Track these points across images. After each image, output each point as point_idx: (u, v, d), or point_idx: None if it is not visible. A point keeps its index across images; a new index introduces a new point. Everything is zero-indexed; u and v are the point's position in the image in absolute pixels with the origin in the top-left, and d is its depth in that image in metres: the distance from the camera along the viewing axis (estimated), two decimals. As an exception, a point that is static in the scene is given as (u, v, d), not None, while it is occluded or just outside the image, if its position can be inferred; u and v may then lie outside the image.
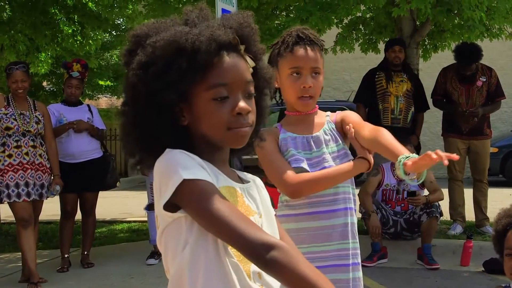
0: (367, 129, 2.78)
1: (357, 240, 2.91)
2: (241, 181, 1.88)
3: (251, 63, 1.78)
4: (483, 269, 6.86)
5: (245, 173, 1.94)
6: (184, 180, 1.60)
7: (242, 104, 1.71)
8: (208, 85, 1.69)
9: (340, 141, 2.89)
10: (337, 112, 3.01)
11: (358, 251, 2.91)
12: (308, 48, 2.81)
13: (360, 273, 2.91)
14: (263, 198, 1.90)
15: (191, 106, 1.72)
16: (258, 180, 1.96)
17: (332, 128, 2.91)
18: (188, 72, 1.66)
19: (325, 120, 2.93)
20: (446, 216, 8.38)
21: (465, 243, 7.15)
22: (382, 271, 6.94)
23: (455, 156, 2.04)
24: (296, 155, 2.81)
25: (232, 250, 1.67)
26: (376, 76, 8.36)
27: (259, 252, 1.56)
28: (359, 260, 2.92)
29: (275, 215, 1.93)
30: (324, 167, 2.79)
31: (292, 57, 2.81)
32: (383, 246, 7.33)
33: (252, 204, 1.81)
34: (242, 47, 1.76)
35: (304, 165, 2.80)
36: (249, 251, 1.58)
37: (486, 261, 6.88)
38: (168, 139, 1.72)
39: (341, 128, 2.92)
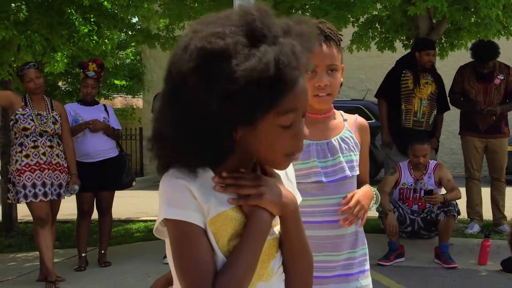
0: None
1: (366, 246, 2.86)
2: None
3: None
4: (501, 268, 6.83)
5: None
6: (164, 218, 1.65)
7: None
8: (280, 111, 1.59)
9: (355, 153, 2.79)
10: (356, 116, 2.90)
11: (367, 257, 2.85)
12: (324, 44, 2.67)
13: (367, 281, 2.84)
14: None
15: (253, 127, 1.61)
16: (289, 171, 1.92)
17: (351, 136, 2.81)
18: (266, 100, 1.56)
19: (343, 125, 2.83)
20: (464, 215, 8.36)
21: (482, 242, 7.12)
22: (399, 270, 6.92)
23: None
24: (314, 167, 2.72)
25: None
26: (403, 75, 8.28)
27: None
28: (367, 267, 2.86)
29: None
30: (344, 177, 2.73)
31: None
32: (400, 245, 7.30)
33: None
34: None
35: (323, 178, 2.73)
36: None
37: (504, 260, 6.84)
38: (214, 148, 1.63)
39: (358, 136, 2.84)
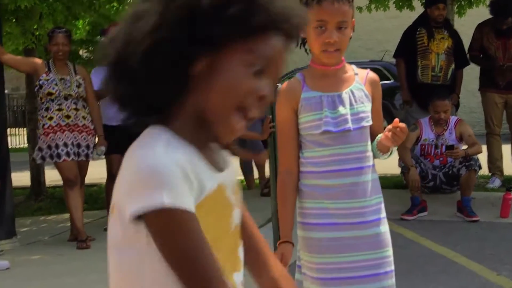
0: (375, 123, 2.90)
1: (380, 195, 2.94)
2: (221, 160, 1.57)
3: None
4: (523, 219, 6.93)
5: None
6: (164, 208, 1.30)
7: (269, 92, 1.44)
8: (250, 49, 1.40)
9: (367, 104, 2.86)
10: (367, 71, 2.97)
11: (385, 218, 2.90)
12: (335, 1, 2.72)
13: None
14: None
15: (215, 57, 1.40)
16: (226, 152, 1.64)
17: (361, 89, 2.87)
18: (236, 24, 1.36)
19: (353, 78, 2.89)
20: (485, 170, 8.41)
21: (504, 195, 7.19)
22: (422, 224, 7.02)
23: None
24: (325, 117, 2.79)
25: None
26: (417, 33, 8.31)
27: None
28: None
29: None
30: (344, 129, 2.78)
31: (319, 9, 2.72)
32: (423, 200, 7.39)
33: (231, 195, 1.55)
34: None
35: (332, 128, 2.79)
36: None
37: (526, 211, 6.94)
38: (167, 88, 1.40)
39: (370, 90, 2.90)
